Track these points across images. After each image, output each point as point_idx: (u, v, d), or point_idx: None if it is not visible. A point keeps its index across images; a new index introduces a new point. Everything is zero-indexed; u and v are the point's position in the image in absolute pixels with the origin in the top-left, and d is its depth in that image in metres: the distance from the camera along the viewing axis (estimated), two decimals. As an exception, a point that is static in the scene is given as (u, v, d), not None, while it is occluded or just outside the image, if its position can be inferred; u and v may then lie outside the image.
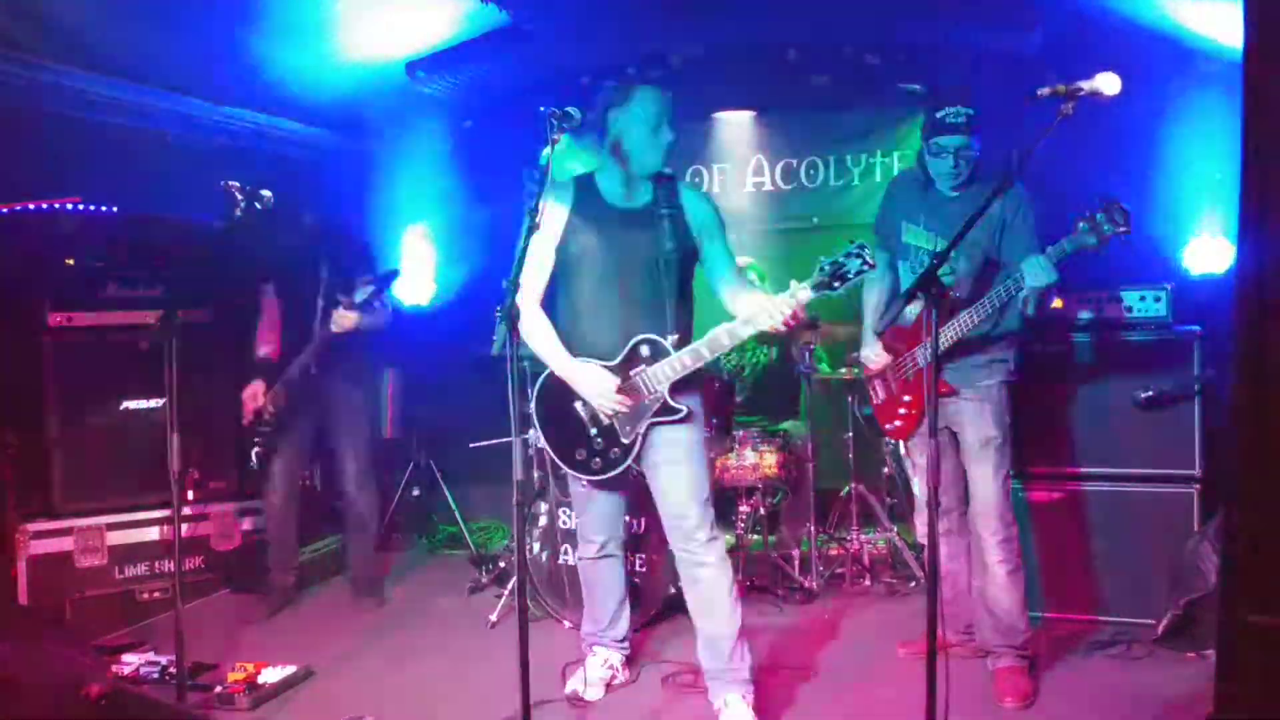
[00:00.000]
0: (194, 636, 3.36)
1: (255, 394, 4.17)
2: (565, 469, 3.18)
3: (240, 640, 3.93)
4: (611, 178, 3.06)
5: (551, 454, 3.22)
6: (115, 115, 4.47)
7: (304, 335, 4.14)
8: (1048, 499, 3.84)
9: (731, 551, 3.79)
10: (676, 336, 2.93)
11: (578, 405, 3.05)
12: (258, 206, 3.34)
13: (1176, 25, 4.18)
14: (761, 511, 4.42)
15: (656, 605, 3.90)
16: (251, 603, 4.33)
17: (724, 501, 4.38)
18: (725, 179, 5.73)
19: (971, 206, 2.73)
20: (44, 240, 4.23)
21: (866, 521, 4.71)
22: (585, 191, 3.07)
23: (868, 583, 4.45)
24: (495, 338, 2.42)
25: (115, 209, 4.40)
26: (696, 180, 5.67)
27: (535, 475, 4.47)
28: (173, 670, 3.27)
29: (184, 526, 4.15)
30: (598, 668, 3.40)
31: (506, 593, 4.15)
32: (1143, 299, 3.81)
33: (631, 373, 2.96)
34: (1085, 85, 2.37)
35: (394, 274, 4.14)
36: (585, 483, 3.19)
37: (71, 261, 4.30)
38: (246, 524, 4.56)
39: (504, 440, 2.62)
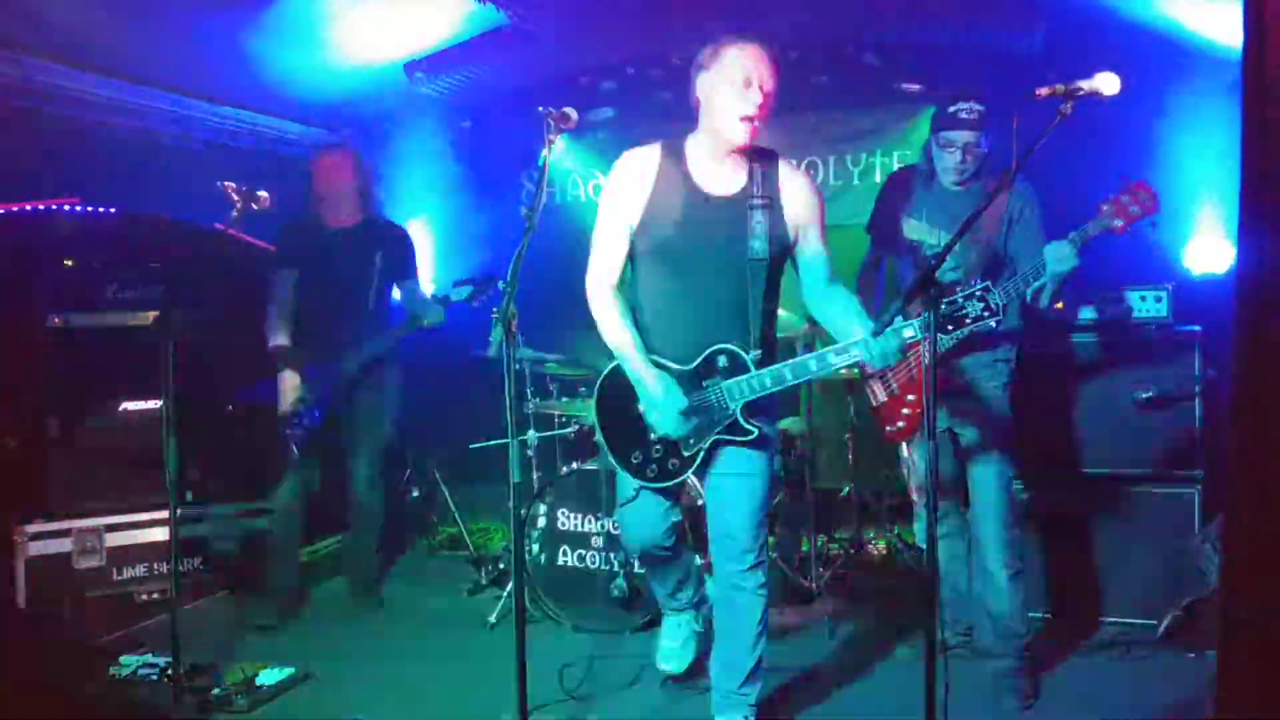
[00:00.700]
0: (192, 638, 3.35)
1: (295, 384, 4.07)
2: (618, 467, 2.94)
3: (239, 642, 3.92)
4: (701, 154, 2.74)
5: (606, 449, 2.96)
6: (114, 116, 4.48)
7: (342, 325, 4.11)
8: (1049, 500, 3.82)
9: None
10: (760, 352, 2.70)
11: (643, 406, 2.81)
12: (254, 207, 3.33)
13: (1179, 25, 4.17)
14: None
15: (656, 606, 3.88)
16: (253, 604, 4.30)
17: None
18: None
19: (975, 201, 2.71)
20: (42, 241, 4.22)
21: (866, 522, 4.70)
22: (671, 167, 2.74)
23: (868, 583, 4.44)
24: (491, 340, 2.41)
25: (113, 209, 4.39)
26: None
27: (534, 476, 4.47)
28: (170, 672, 3.26)
29: (182, 527, 4.14)
30: (674, 633, 3.32)
31: (506, 594, 4.14)
32: (1143, 299, 3.80)
33: (705, 384, 2.74)
34: (1084, 85, 2.36)
35: (494, 280, 4.03)
36: (637, 487, 2.94)
37: (70, 262, 4.30)
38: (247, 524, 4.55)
39: (503, 441, 2.60)
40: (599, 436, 3.00)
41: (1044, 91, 2.41)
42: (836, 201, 5.49)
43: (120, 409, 4.29)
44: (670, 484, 2.87)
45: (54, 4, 3.88)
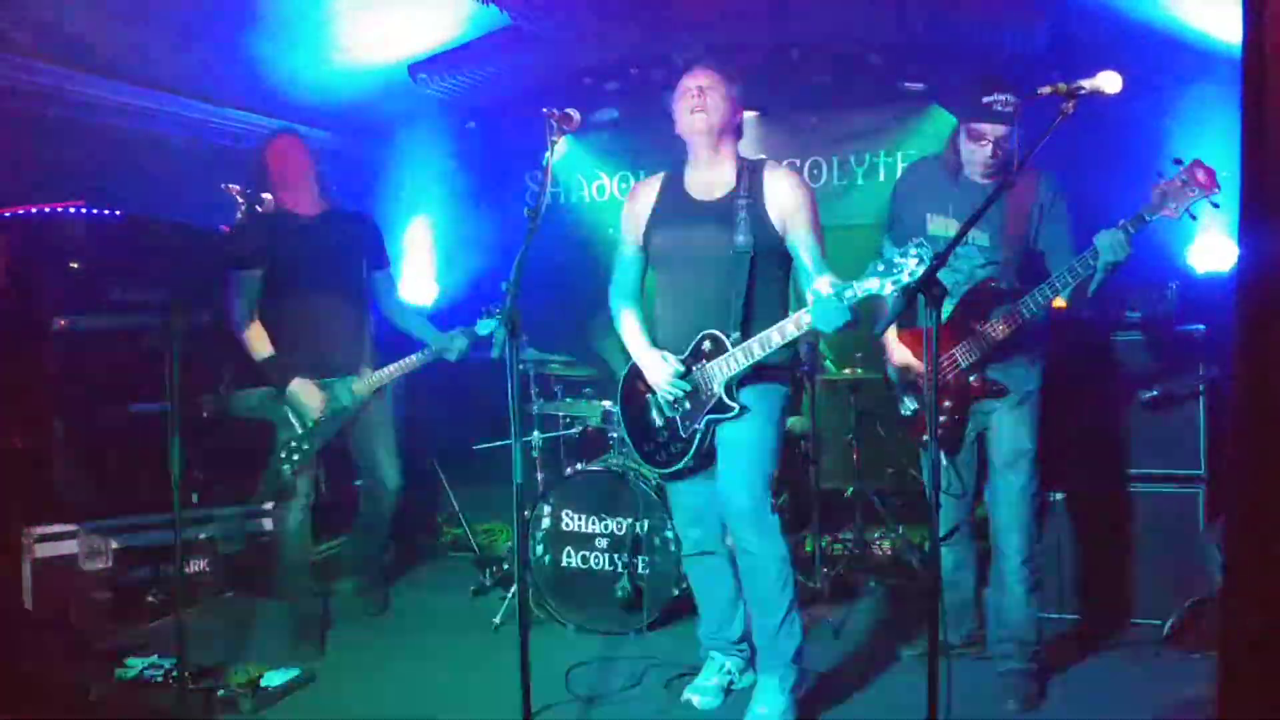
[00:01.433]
0: (198, 639, 3.36)
1: (316, 393, 3.88)
2: (638, 459, 3.27)
3: (244, 643, 3.93)
4: (691, 170, 3.10)
5: (629, 443, 3.26)
6: (119, 119, 4.48)
7: (339, 324, 3.96)
8: (1052, 500, 3.81)
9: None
10: (739, 334, 2.92)
11: (650, 397, 3.13)
12: (258, 209, 3.33)
13: (1181, 24, 4.16)
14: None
15: (660, 607, 3.90)
16: (260, 607, 4.29)
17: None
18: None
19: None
20: (48, 244, 4.23)
21: (871, 522, 4.69)
22: (670, 186, 3.13)
23: (871, 584, 4.44)
24: (494, 340, 2.42)
25: (119, 212, 4.40)
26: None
27: (538, 478, 4.47)
28: (176, 674, 3.27)
29: (187, 529, 4.14)
30: (713, 673, 3.34)
31: (511, 595, 4.15)
32: (1147, 298, 3.78)
33: (694, 368, 3.00)
34: (1087, 84, 2.35)
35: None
36: (660, 476, 3.28)
37: (75, 265, 4.31)
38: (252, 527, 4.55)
39: (508, 442, 2.61)
40: (622, 431, 3.27)
41: (1046, 90, 2.42)
42: (840, 201, 5.49)
43: (126, 411, 4.30)
44: (678, 467, 3.08)
45: (60, 7, 3.90)
